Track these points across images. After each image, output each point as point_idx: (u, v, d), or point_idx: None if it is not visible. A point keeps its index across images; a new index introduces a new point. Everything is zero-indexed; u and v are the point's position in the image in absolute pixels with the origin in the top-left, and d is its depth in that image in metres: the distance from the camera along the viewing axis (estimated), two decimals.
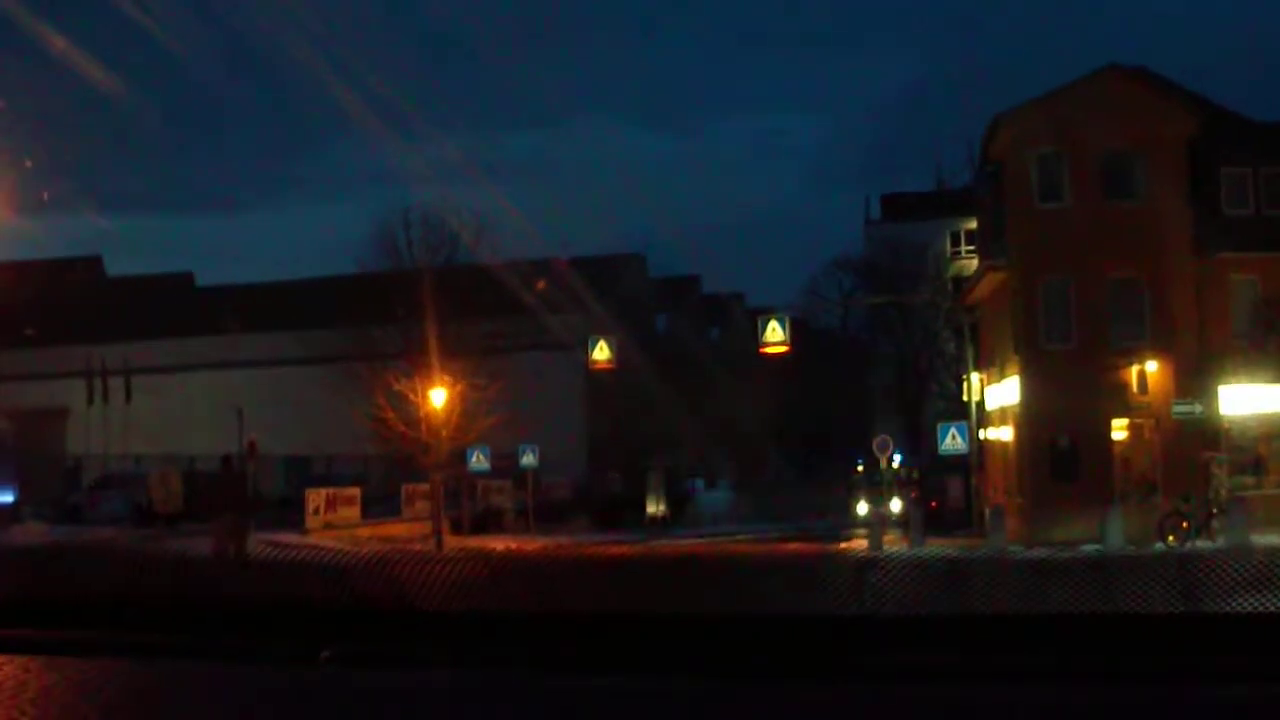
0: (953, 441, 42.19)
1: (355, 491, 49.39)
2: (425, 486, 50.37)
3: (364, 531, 45.01)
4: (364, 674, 3.08)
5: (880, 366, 75.71)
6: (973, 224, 61.54)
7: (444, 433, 46.02)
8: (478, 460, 48.64)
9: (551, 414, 66.71)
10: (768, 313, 44.10)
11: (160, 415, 66.35)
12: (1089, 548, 28.26)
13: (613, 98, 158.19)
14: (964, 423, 43.60)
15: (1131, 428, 41.08)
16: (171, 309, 74.64)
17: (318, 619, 3.31)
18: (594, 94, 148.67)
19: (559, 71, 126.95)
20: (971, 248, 73.07)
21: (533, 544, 38.77)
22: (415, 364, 46.38)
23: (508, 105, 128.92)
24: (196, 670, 3.17)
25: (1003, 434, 45.52)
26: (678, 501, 60.83)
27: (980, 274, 45.25)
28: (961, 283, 78.48)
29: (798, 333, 79.91)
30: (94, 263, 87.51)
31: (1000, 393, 45.27)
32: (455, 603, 3.26)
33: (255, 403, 61.26)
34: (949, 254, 78.04)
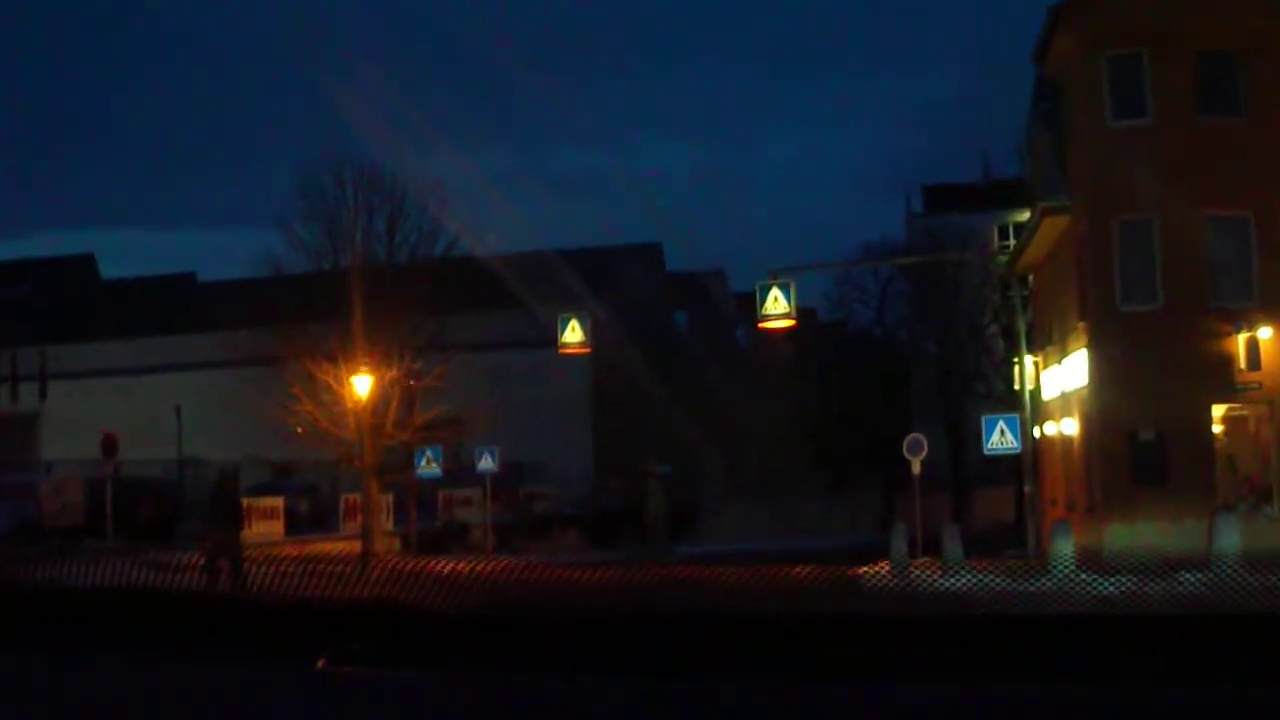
0: (1001, 438, 31.40)
1: (276, 503, 38.84)
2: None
3: (288, 550, 34.42)
4: (360, 674, 2.93)
5: (921, 367, 64.00)
6: (1023, 216, 51.60)
7: (363, 423, 35.04)
8: (427, 464, 37.89)
9: (553, 418, 56.32)
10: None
11: (134, 419, 56.36)
12: (1190, 575, 16.79)
13: (663, 116, 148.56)
14: (1014, 415, 32.28)
15: (1233, 415, 29.55)
16: (157, 310, 64.50)
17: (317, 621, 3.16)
18: (644, 112, 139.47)
19: (609, 91, 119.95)
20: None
21: (486, 566, 28.13)
22: (355, 356, 35.33)
23: (557, 124, 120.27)
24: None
25: (1065, 428, 33.98)
26: (687, 515, 49.06)
27: (1035, 223, 33.53)
28: (1010, 280, 68.17)
29: (827, 332, 70.28)
30: (87, 262, 77.99)
31: (1061, 376, 33.83)
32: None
33: (215, 405, 51.24)
34: (996, 247, 67.27)
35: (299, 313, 36.15)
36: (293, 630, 3.11)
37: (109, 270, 79.01)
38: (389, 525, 41.00)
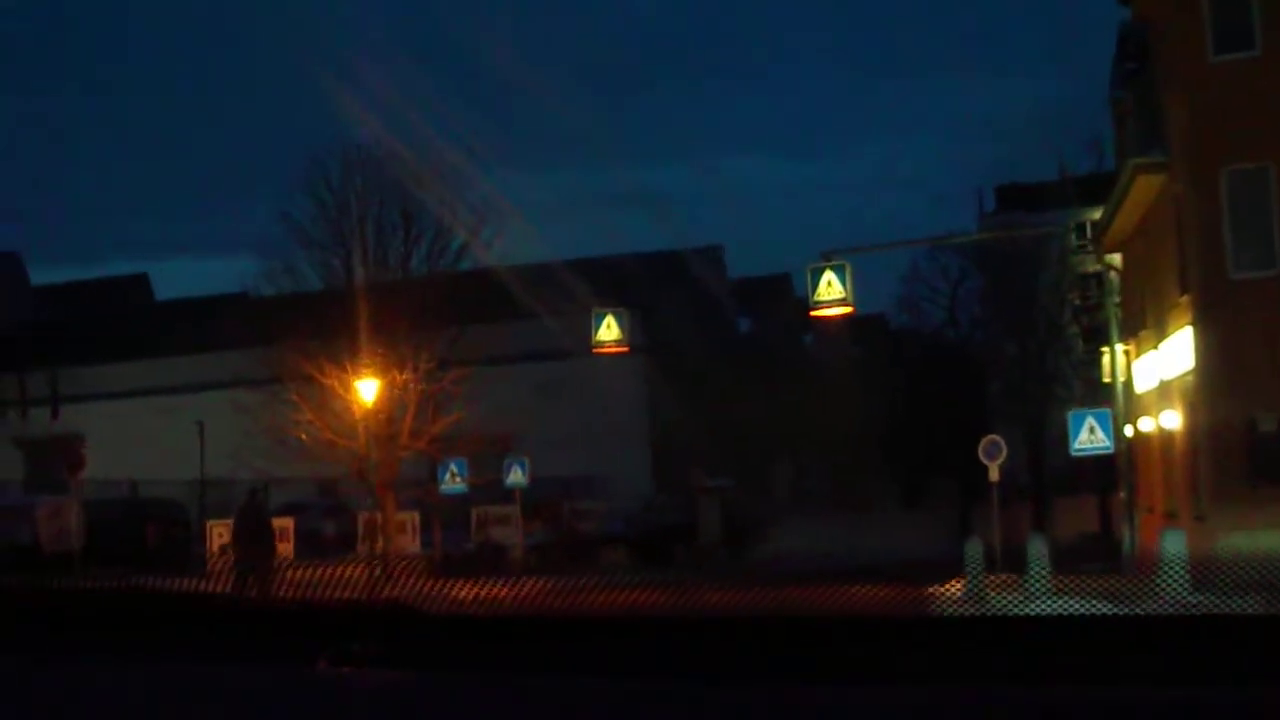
0: (1091, 436, 26.54)
1: (286, 523, 34.36)
2: (401, 516, 35.66)
3: (293, 575, 29.95)
4: (362, 674, 2.87)
5: (997, 370, 58.81)
6: (1099, 214, 47.45)
7: (372, 432, 30.63)
8: (452, 479, 33.54)
9: (608, 430, 51.78)
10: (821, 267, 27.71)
11: (169, 439, 52.81)
12: None
13: (740, 129, 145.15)
14: (1105, 410, 27.35)
15: None
16: (202, 329, 60.80)
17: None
18: (720, 126, 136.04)
19: (687, 106, 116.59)
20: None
21: (509, 590, 23.69)
22: (361, 359, 30.96)
23: (629, 140, 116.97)
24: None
25: (1166, 421, 28.77)
26: (749, 529, 44.00)
27: (1125, 187, 28.30)
28: (1089, 279, 63.68)
29: (897, 336, 65.33)
30: (141, 280, 74.81)
31: (1159, 363, 28.71)
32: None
33: (247, 424, 47.31)
34: (1074, 246, 62.69)
35: (318, 327, 32.10)
36: (293, 631, 3.06)
37: (169, 293, 76.38)
38: (414, 545, 36.51)
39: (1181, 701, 2.25)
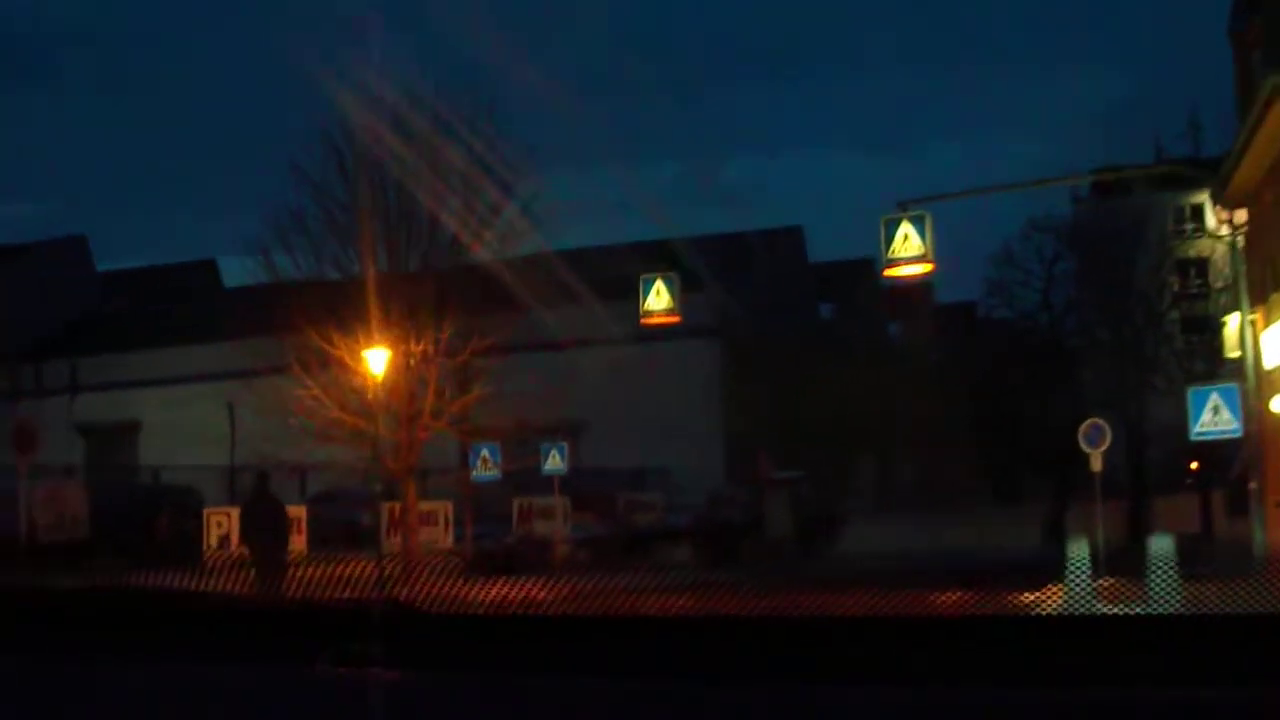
0: (1214, 417, 22.03)
1: (299, 512, 30.78)
2: (433, 506, 31.88)
3: (308, 573, 26.06)
4: (362, 674, 2.79)
5: (1094, 356, 54.12)
6: (1202, 197, 43.40)
7: (385, 408, 26.70)
8: (483, 465, 29.50)
9: (679, 419, 47.66)
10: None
11: (220, 425, 49.67)
12: None
13: (828, 125, 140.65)
14: (1232, 386, 22.77)
15: None
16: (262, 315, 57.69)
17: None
18: (809, 122, 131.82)
19: (776, 101, 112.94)
20: (1196, 226, 57.42)
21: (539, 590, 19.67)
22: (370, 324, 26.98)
23: (722, 135, 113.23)
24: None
25: None
26: (825, 526, 39.45)
27: (1258, 117, 23.29)
28: (1189, 265, 59.04)
29: (989, 326, 60.67)
30: (208, 267, 71.75)
31: None
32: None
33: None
34: (1172, 230, 58.46)
35: (341, 307, 28.46)
36: (293, 630, 3.02)
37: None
38: (447, 540, 32.38)
39: (1181, 701, 2.22)
